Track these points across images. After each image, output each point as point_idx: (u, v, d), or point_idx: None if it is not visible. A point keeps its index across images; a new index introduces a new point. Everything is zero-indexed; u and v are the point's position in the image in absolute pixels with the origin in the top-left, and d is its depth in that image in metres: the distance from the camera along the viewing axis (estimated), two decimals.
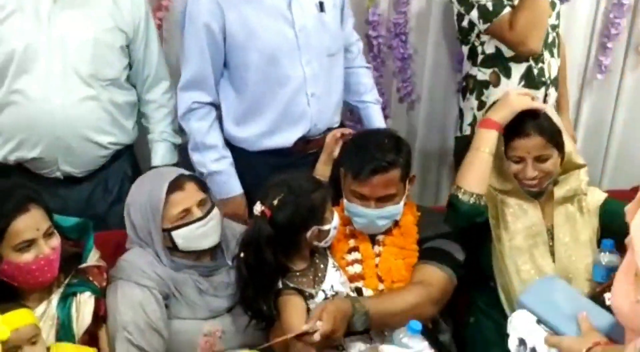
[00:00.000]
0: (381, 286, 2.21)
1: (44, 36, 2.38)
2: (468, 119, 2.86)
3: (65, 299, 2.04)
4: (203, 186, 2.18)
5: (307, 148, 2.57)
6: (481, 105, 2.80)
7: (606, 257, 2.12)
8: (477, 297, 2.36)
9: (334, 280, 2.11)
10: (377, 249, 2.24)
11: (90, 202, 2.58)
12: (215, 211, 2.16)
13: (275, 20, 2.47)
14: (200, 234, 2.12)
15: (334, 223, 2.11)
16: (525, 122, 2.21)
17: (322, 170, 2.40)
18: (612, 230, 2.24)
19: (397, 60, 3.19)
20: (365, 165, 2.14)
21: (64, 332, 2.02)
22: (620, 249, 2.10)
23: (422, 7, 3.14)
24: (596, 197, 2.35)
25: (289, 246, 2.09)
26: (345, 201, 2.22)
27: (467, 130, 2.86)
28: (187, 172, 2.17)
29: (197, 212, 2.11)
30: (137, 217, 2.13)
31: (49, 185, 2.48)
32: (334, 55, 2.61)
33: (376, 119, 2.79)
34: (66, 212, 2.21)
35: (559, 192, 2.29)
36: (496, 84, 2.76)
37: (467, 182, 2.19)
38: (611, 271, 2.12)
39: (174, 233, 2.10)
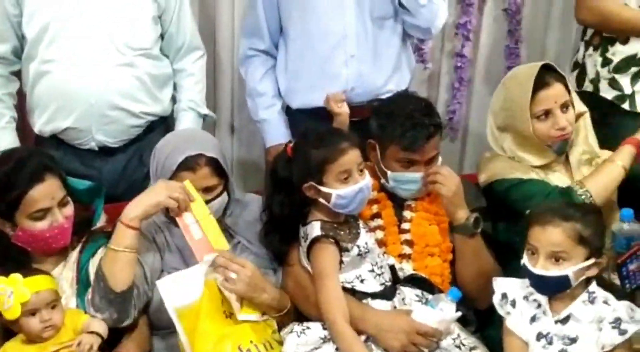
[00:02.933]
0: (409, 251, 2.22)
1: (78, 7, 2.43)
2: (591, 74, 2.77)
3: (85, 261, 2.10)
4: (219, 170, 2.12)
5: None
6: (605, 61, 2.72)
7: (626, 226, 2.07)
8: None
9: (367, 239, 2.10)
10: (408, 214, 2.25)
11: (126, 173, 2.61)
12: (221, 198, 2.12)
13: None
14: None
15: (339, 191, 2.00)
16: (544, 73, 2.27)
17: None
18: (631, 191, 2.30)
19: None
20: (418, 133, 2.13)
21: (84, 290, 2.06)
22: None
23: None
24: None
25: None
26: (389, 172, 2.20)
27: (588, 87, 2.78)
28: (209, 154, 2.08)
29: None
30: (153, 166, 2.17)
31: (84, 156, 2.57)
32: (383, 19, 2.58)
33: None
34: (102, 183, 2.29)
35: (573, 155, 2.35)
36: (624, 41, 2.68)
37: (591, 183, 2.23)
38: (632, 240, 2.10)
39: None
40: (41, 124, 2.54)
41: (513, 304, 1.95)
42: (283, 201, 2.08)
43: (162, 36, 2.60)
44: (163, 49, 2.62)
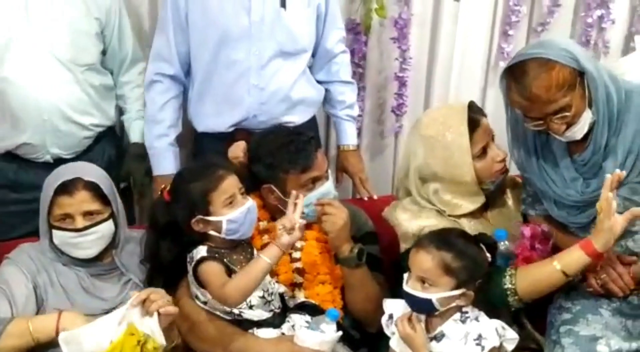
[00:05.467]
0: (300, 279, 2.27)
1: (24, 25, 2.50)
2: None
3: None
4: (101, 196, 2.14)
5: (250, 140, 2.47)
6: None
7: (502, 246, 2.13)
8: None
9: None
10: (298, 243, 2.27)
11: None
12: (106, 225, 2.15)
13: (233, 4, 2.54)
14: (73, 243, 2.14)
15: (229, 216, 2.06)
16: (471, 114, 2.25)
17: None
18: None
19: None
20: (305, 150, 2.21)
21: None
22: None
23: None
24: (519, 190, 2.44)
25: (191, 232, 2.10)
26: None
27: None
28: (87, 178, 2.13)
29: (79, 222, 2.10)
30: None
31: (39, 168, 2.60)
32: (292, 55, 2.64)
33: (346, 136, 2.87)
34: None
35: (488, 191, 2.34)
36: None
37: (522, 274, 2.07)
38: (509, 259, 2.19)
39: (53, 231, 2.14)
40: None
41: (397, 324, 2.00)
42: (170, 246, 2.11)
43: (104, 51, 2.71)
44: (106, 63, 2.74)
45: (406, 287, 1.95)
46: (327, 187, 2.26)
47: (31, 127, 2.56)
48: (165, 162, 2.69)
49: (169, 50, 2.64)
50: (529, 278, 2.06)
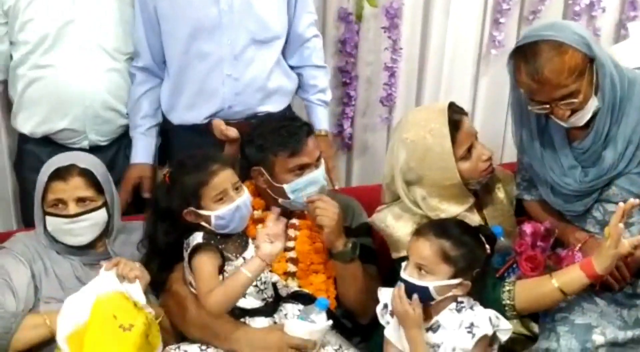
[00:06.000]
0: (293, 268, 2.26)
1: (72, 14, 2.55)
2: None
3: None
4: (95, 184, 2.14)
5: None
6: None
7: (500, 243, 2.10)
8: None
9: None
10: (292, 232, 2.27)
11: (113, 168, 2.61)
12: (99, 213, 2.15)
13: None
14: (66, 230, 2.14)
15: (217, 212, 2.05)
16: (452, 115, 2.20)
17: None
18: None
19: None
20: (296, 135, 2.19)
21: None
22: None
23: None
24: (509, 182, 2.42)
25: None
26: (285, 186, 2.20)
27: None
28: (82, 165, 2.14)
29: (72, 208, 2.11)
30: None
31: None
32: (264, 42, 2.63)
33: (318, 121, 2.80)
34: None
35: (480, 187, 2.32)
36: None
37: (521, 288, 2.08)
38: (506, 255, 2.20)
39: (46, 217, 2.14)
40: (33, 126, 2.65)
41: (392, 313, 1.99)
42: (168, 229, 2.11)
43: None
44: None
45: (403, 275, 1.94)
46: (316, 175, 2.23)
47: (73, 112, 2.61)
48: (138, 151, 2.70)
49: (139, 42, 2.65)
50: (527, 295, 2.07)
